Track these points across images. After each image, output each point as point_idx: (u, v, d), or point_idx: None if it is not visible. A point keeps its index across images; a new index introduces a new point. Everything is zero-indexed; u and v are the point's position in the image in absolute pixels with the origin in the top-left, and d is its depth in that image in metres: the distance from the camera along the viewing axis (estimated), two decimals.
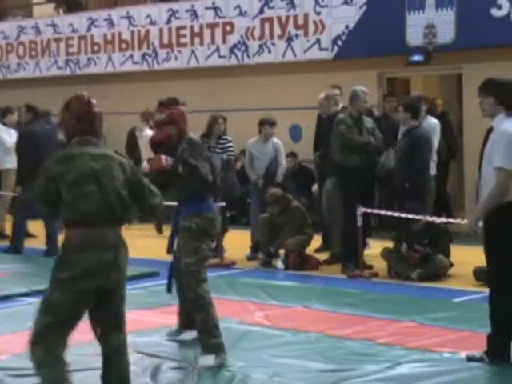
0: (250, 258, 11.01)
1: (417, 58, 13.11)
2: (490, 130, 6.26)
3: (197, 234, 6.11)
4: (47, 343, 4.68)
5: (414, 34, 12.95)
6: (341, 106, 10.87)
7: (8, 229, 12.83)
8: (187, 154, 6.12)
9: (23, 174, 11.71)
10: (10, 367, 6.12)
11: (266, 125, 11.28)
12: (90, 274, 4.63)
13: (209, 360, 6.08)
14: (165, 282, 9.04)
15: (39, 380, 4.76)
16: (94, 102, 5.02)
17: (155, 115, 6.38)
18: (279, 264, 10.40)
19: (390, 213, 9.76)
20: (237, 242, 11.54)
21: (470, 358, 6.11)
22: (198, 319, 6.19)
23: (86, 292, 4.66)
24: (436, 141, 10.66)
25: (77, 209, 4.67)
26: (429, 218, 9.54)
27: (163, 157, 6.19)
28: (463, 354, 6.20)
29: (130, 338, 5.17)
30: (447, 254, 9.59)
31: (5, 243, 12.43)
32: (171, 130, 6.25)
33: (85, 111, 4.91)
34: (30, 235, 13.49)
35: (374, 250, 10.29)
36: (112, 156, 4.87)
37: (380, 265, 9.93)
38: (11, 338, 6.99)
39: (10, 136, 13.32)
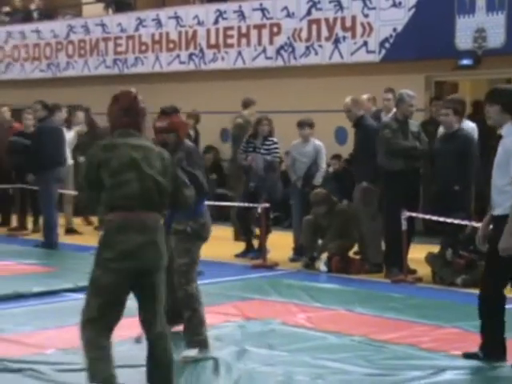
0: (292, 260, 11.01)
1: (466, 62, 12.99)
2: (500, 138, 6.24)
3: (190, 237, 6.30)
4: (99, 323, 4.84)
5: (464, 38, 12.84)
6: (394, 110, 10.78)
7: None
8: (184, 162, 6.23)
9: (42, 166, 11.92)
10: (55, 362, 6.17)
11: (302, 126, 11.29)
12: (129, 255, 4.82)
13: (192, 352, 6.25)
14: (208, 281, 9.14)
15: (85, 363, 4.87)
16: (140, 98, 5.25)
17: (155, 123, 6.45)
18: (322, 266, 10.38)
19: (435, 218, 9.68)
20: (280, 244, 11.54)
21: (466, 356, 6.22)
22: (184, 316, 6.34)
23: (128, 272, 4.84)
24: None
25: (118, 194, 4.88)
26: (475, 224, 9.43)
27: None
28: (509, 362, 6.13)
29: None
30: None
31: (73, 238, 12.67)
32: (170, 138, 6.34)
33: (131, 105, 5.15)
34: (75, 231, 13.67)
35: (419, 254, 10.22)
36: (151, 147, 5.12)
37: (424, 270, 9.86)
38: (57, 332, 7.05)
39: None
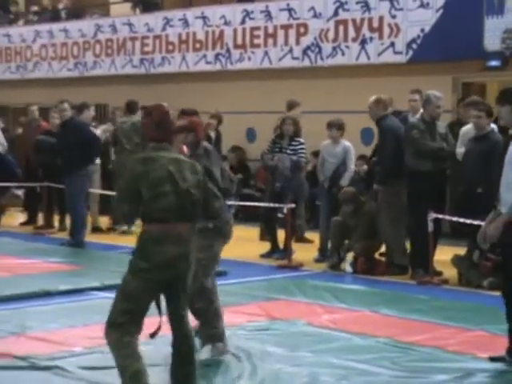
0: (317, 261, 10.99)
1: (494, 63, 12.89)
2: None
3: (212, 233, 6.33)
4: (122, 328, 4.97)
5: (492, 39, 12.74)
6: (421, 110, 10.72)
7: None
8: (205, 160, 6.26)
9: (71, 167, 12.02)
10: (81, 359, 6.20)
11: (330, 127, 11.28)
12: (166, 266, 4.98)
13: (204, 353, 6.26)
14: (234, 281, 9.15)
15: (115, 361, 4.98)
16: (171, 112, 5.40)
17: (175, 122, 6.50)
18: (347, 267, 10.37)
19: (462, 220, 9.62)
20: (305, 244, 11.53)
21: (493, 359, 6.14)
22: (200, 308, 6.33)
23: (160, 282, 5.02)
24: None
25: (155, 206, 5.02)
26: None
27: None
28: None
29: None
30: None
31: (99, 237, 12.79)
32: (188, 138, 6.38)
33: (163, 120, 5.29)
34: (101, 230, 13.73)
35: (445, 256, 10.17)
36: (184, 160, 5.30)
37: (450, 272, 9.81)
38: (83, 330, 7.09)
39: None
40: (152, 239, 4.99)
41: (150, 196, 4.99)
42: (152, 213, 5.01)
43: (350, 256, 10.49)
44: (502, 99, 6.42)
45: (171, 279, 5.04)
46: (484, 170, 9.37)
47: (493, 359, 6.23)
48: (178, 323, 5.15)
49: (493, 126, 10.37)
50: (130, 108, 13.66)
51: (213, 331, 6.37)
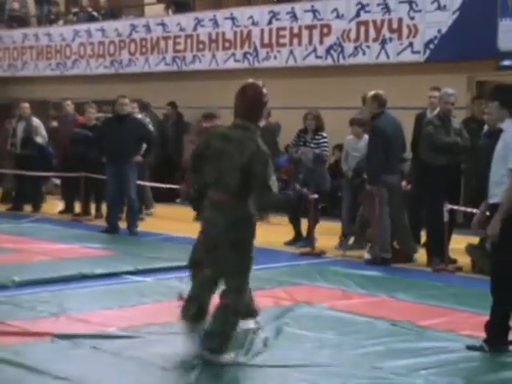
0: (338, 248, 10.96)
1: (507, 62, 12.81)
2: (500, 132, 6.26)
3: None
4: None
5: (505, 39, 12.64)
6: (437, 109, 10.60)
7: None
8: None
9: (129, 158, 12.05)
10: (117, 339, 6.24)
11: (352, 125, 11.25)
12: None
13: (251, 324, 6.33)
14: (260, 266, 9.15)
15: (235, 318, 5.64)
16: (265, 91, 5.57)
17: (200, 124, 6.58)
18: (366, 255, 10.34)
19: (475, 210, 9.55)
20: (327, 233, 11.53)
21: (469, 347, 6.11)
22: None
23: None
24: None
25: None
26: None
27: None
28: None
29: None
30: None
31: None
32: None
33: (257, 98, 5.55)
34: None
35: (459, 245, 10.13)
36: (244, 143, 5.41)
37: (464, 260, 9.77)
38: (118, 312, 7.14)
39: None
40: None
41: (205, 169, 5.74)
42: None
43: (368, 244, 10.47)
44: (492, 95, 6.51)
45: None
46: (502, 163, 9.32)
47: (469, 348, 6.14)
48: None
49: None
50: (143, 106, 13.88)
51: (253, 307, 6.40)
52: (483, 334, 6.39)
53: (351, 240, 10.88)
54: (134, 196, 12.18)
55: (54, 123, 16.48)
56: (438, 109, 10.58)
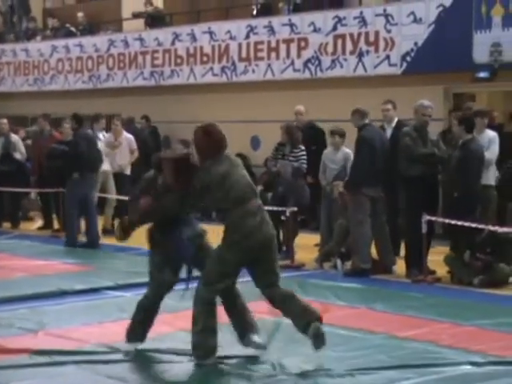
0: (317, 261, 10.96)
1: (483, 74, 12.91)
2: None
3: None
4: (213, 286, 5.90)
5: (481, 52, 12.77)
6: (396, 119, 11.05)
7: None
8: None
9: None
10: (96, 355, 6.21)
11: (333, 135, 11.30)
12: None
13: (257, 338, 6.39)
14: (239, 280, 9.11)
15: (197, 309, 5.89)
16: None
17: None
18: (339, 266, 10.35)
19: (453, 222, 9.63)
20: (306, 245, 11.54)
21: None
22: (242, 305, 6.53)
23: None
24: (495, 151, 10.55)
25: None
26: (491, 228, 9.39)
27: None
28: None
29: None
30: (509, 263, 9.43)
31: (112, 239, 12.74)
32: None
33: (222, 139, 6.10)
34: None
35: (437, 256, 10.18)
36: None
37: (443, 271, 9.82)
38: (98, 328, 7.11)
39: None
40: None
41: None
42: None
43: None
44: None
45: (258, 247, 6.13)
46: (458, 175, 9.48)
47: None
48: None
49: (492, 133, 10.51)
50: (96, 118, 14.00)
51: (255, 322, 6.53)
52: (464, 345, 6.44)
53: (348, 265, 10.50)
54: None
55: (28, 141, 16.25)
56: (394, 120, 10.94)
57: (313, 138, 12.87)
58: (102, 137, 13.87)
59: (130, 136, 14.23)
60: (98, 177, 12.92)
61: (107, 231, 13.45)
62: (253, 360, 6.15)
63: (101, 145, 13.39)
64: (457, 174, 9.60)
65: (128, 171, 14.00)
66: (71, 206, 12.35)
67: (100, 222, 13.20)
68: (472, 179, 9.67)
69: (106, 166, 13.39)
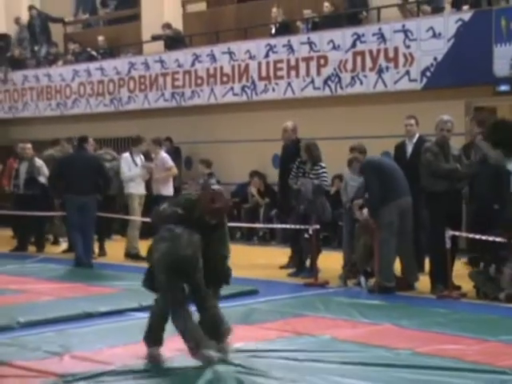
0: (341, 278, 10.96)
1: (503, 87, 12.92)
2: None
3: None
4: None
5: (501, 65, 12.75)
6: (417, 135, 11.22)
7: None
8: None
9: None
10: (121, 375, 6.25)
11: (355, 151, 11.32)
12: None
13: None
14: (263, 299, 9.17)
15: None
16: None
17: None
18: (363, 284, 10.35)
19: (478, 236, 9.60)
20: (329, 262, 11.55)
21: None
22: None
23: None
24: None
25: None
26: None
27: None
28: None
29: None
30: None
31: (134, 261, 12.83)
32: None
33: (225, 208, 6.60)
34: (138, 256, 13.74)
35: (462, 271, 10.15)
36: None
37: (468, 286, 9.78)
38: (123, 350, 7.14)
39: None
40: None
41: None
42: None
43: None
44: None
45: None
46: (493, 188, 9.45)
47: None
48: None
49: None
50: (136, 141, 14.00)
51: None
52: (489, 361, 6.40)
53: (372, 281, 10.46)
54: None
55: None
56: (416, 136, 11.04)
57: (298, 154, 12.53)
58: (139, 160, 13.85)
59: (164, 155, 14.14)
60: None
61: (129, 255, 13.48)
62: None
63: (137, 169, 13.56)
64: (492, 186, 9.53)
65: (165, 192, 13.71)
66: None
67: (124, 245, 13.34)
68: (508, 191, 9.65)
69: (133, 189, 13.50)
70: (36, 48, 21.99)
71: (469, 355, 6.75)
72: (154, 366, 6.53)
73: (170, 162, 13.90)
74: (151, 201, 13.30)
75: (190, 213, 6.48)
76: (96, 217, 13.15)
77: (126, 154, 13.83)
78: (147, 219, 12.07)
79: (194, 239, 6.36)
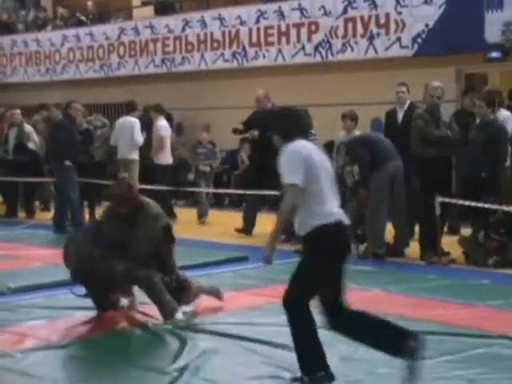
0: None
1: (495, 54, 12.91)
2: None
3: None
4: None
5: (492, 32, 12.73)
6: (408, 102, 11.24)
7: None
8: None
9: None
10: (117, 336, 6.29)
11: (344, 119, 11.31)
12: None
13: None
14: (254, 265, 9.21)
15: None
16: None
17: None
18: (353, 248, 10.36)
19: (467, 203, 9.64)
20: None
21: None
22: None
23: None
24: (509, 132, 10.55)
25: None
26: (505, 209, 9.40)
27: None
28: None
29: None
30: None
31: None
32: None
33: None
34: None
35: (451, 238, 10.20)
36: None
37: (457, 252, 9.84)
38: (114, 314, 7.17)
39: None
40: None
41: None
42: None
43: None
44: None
45: None
46: (487, 155, 9.42)
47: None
48: None
49: (507, 113, 10.49)
50: (130, 107, 13.79)
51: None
52: (478, 326, 6.46)
53: (362, 247, 10.45)
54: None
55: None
56: (407, 103, 11.05)
57: None
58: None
59: (160, 124, 13.98)
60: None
61: None
62: None
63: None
64: (482, 154, 9.53)
65: (160, 161, 13.79)
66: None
67: None
68: (501, 159, 9.66)
69: (136, 156, 13.51)
70: (24, 12, 21.80)
71: (457, 320, 6.82)
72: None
73: (161, 132, 13.81)
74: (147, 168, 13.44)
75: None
76: (83, 183, 13.20)
77: (136, 119, 13.70)
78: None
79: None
